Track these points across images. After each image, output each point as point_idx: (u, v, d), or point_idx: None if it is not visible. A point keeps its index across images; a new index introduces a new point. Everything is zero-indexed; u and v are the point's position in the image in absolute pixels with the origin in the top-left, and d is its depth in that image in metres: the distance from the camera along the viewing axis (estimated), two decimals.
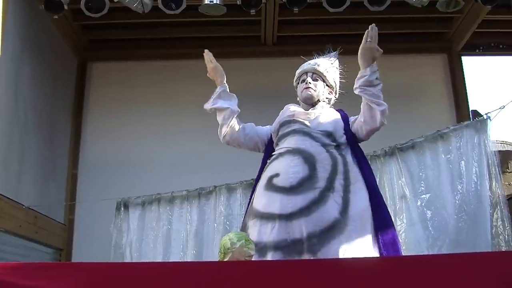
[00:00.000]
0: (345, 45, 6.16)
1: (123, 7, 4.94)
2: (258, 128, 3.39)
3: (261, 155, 3.36)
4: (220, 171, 5.14)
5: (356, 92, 3.08)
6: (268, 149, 3.28)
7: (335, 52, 3.48)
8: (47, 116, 5.47)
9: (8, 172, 4.64)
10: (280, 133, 3.21)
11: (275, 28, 6.01)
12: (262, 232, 2.90)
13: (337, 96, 3.43)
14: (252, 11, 5.10)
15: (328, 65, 3.38)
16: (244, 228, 3.10)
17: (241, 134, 3.29)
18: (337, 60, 3.45)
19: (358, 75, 3.09)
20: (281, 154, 3.11)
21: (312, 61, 3.40)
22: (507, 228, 4.00)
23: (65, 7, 4.80)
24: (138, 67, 6.33)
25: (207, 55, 3.33)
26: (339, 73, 3.45)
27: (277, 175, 3.02)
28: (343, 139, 3.15)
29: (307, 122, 3.17)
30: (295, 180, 2.95)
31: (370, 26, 3.06)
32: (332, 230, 2.83)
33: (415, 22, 6.14)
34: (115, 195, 4.91)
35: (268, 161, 3.18)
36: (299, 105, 3.37)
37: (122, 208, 4.83)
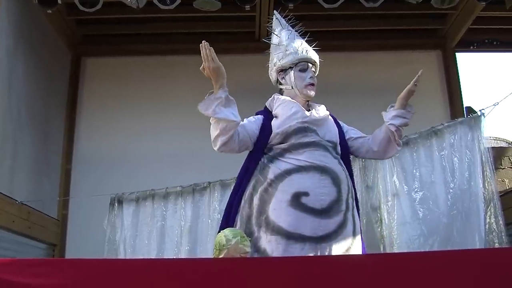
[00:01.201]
0: (340, 41, 6.24)
1: (118, 2, 4.93)
2: (248, 128, 3.07)
3: None
4: (215, 167, 5.13)
5: (391, 128, 3.07)
6: (259, 147, 3.07)
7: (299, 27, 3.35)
8: (40, 111, 5.44)
9: (1, 167, 4.62)
10: (293, 140, 3.00)
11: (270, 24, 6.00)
12: (290, 253, 2.79)
13: None
14: (247, 7, 5.09)
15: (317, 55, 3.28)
16: (251, 235, 2.89)
17: (236, 144, 2.99)
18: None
19: (397, 113, 3.08)
20: (304, 169, 2.94)
21: (307, 48, 3.22)
22: (500, 224, 4.01)
23: (59, 1, 4.78)
24: (132, 62, 6.31)
25: (207, 49, 2.82)
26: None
27: (306, 194, 2.88)
28: (339, 148, 3.14)
29: (317, 130, 3.06)
30: (326, 202, 2.89)
31: (420, 72, 3.04)
32: (348, 251, 2.88)
33: (409, 19, 6.14)
34: (109, 191, 4.90)
35: (272, 164, 3.01)
36: (286, 95, 3.18)
37: (116, 204, 4.82)
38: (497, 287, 2.04)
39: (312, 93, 3.15)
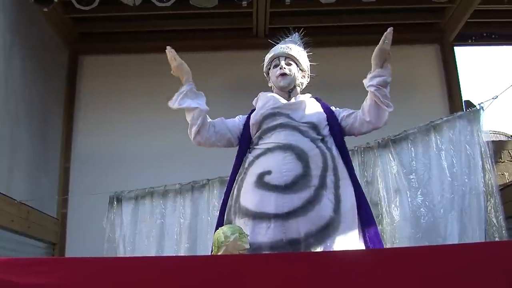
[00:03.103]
0: (337, 37, 6.23)
1: (114, 0, 4.91)
2: (228, 122, 3.22)
3: None
4: (213, 164, 5.11)
5: (370, 89, 3.00)
6: (244, 143, 3.16)
7: (296, 34, 3.39)
8: (38, 110, 5.43)
9: (0, 166, 4.61)
10: (264, 126, 3.07)
11: (267, 20, 5.99)
12: (256, 233, 2.80)
13: (308, 80, 3.35)
14: (244, 3, 5.09)
15: (299, 48, 3.29)
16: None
17: (211, 133, 3.14)
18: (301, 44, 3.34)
19: (373, 74, 3.02)
20: (269, 150, 2.98)
21: (281, 45, 3.29)
22: (500, 218, 4.00)
23: None
24: (129, 60, 6.30)
25: (170, 52, 3.17)
26: (308, 57, 3.34)
27: (268, 172, 2.90)
28: (325, 130, 3.09)
29: (291, 114, 3.08)
30: (289, 178, 2.86)
31: (388, 29, 3.02)
32: (327, 229, 2.80)
33: (407, 13, 6.13)
34: (108, 189, 4.89)
35: (250, 154, 3.08)
36: (273, 92, 3.26)
37: (115, 202, 4.81)
38: (498, 281, 2.03)
39: (283, 82, 3.18)
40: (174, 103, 3.14)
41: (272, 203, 2.83)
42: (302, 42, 3.35)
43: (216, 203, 4.54)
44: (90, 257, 2.29)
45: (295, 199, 2.82)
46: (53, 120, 5.87)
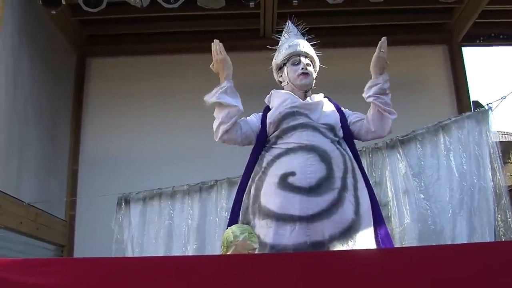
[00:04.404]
0: (345, 37, 6.21)
1: (121, 2, 4.93)
2: (250, 122, 3.16)
3: None
4: (221, 165, 5.13)
5: (369, 100, 3.01)
6: (260, 141, 3.11)
7: (299, 28, 3.37)
8: (47, 111, 5.45)
9: (9, 168, 4.63)
10: (283, 125, 3.03)
11: (274, 21, 5.99)
12: (280, 234, 2.77)
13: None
14: (251, 4, 5.09)
15: (312, 49, 3.29)
16: (248, 225, 2.92)
17: (238, 135, 3.07)
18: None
19: (370, 84, 3.03)
20: (291, 150, 2.94)
21: (299, 42, 3.26)
22: (510, 219, 3.99)
23: (63, 1, 4.78)
24: (137, 62, 6.31)
25: (217, 45, 3.06)
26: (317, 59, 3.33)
27: (292, 173, 2.86)
28: (341, 132, 3.09)
29: (309, 114, 3.05)
30: (314, 180, 2.83)
31: (382, 38, 3.01)
32: (349, 231, 2.79)
33: (415, 13, 6.11)
34: (116, 191, 4.90)
35: (267, 153, 3.04)
36: (284, 89, 3.24)
37: (123, 204, 4.82)
38: (507, 281, 2.02)
39: (305, 81, 3.16)
40: (211, 97, 3.02)
41: (296, 205, 2.80)
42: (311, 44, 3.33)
43: (224, 204, 4.55)
44: (99, 257, 2.30)
45: (320, 202, 2.80)
46: (62, 122, 5.89)
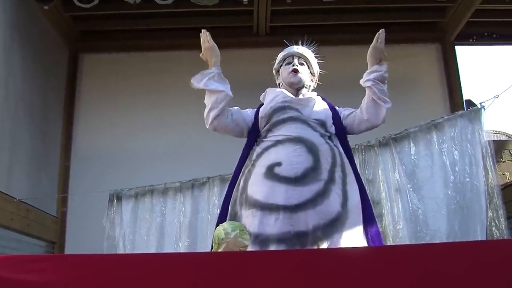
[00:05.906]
0: (338, 35, 6.22)
1: None
2: (243, 112, 3.20)
3: None
4: (214, 162, 5.12)
5: (367, 84, 3.00)
6: (252, 135, 3.14)
7: (308, 42, 3.39)
8: (38, 108, 5.42)
9: None
10: (274, 119, 3.05)
11: (268, 18, 5.99)
12: (265, 224, 2.78)
13: (315, 86, 3.36)
14: (245, 1, 5.08)
15: (312, 53, 3.32)
16: (234, 218, 2.95)
17: (229, 120, 3.09)
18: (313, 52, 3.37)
19: (370, 69, 3.03)
20: (280, 142, 2.97)
21: (296, 47, 3.31)
22: (501, 218, 4.00)
23: None
24: (130, 58, 6.29)
25: (204, 34, 3.13)
26: (318, 66, 3.36)
27: (279, 164, 2.88)
28: (332, 129, 3.10)
29: (300, 109, 3.07)
30: (300, 170, 2.84)
31: (380, 30, 3.05)
32: (335, 223, 2.78)
33: (408, 12, 6.12)
34: (108, 187, 4.89)
35: (257, 147, 3.06)
36: (280, 89, 3.27)
37: (115, 200, 4.81)
38: (498, 279, 2.02)
39: (294, 78, 3.18)
40: (199, 83, 3.06)
41: (281, 194, 2.81)
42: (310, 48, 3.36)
43: (216, 201, 4.54)
44: (91, 254, 2.28)
45: (305, 192, 2.80)
46: (53, 118, 5.86)
